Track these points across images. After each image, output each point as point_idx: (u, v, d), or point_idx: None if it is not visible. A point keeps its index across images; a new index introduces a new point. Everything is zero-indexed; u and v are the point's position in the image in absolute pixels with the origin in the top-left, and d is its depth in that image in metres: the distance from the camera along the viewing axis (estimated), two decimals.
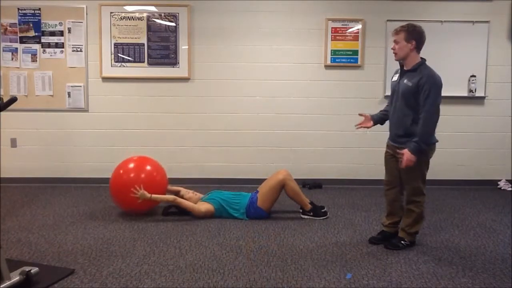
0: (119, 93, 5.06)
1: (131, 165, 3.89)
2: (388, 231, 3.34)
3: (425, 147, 3.00)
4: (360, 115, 3.47)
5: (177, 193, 4.01)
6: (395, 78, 3.23)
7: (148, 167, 3.90)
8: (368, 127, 3.44)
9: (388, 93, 4.97)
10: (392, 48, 3.13)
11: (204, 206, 3.83)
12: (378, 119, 3.41)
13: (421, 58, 3.10)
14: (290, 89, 5.08)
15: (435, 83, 2.96)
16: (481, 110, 5.13)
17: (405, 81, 3.07)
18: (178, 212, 3.91)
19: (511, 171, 5.22)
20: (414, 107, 3.03)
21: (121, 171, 3.85)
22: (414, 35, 3.04)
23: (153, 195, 3.72)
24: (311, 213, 3.89)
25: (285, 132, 5.14)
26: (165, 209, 3.95)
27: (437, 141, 3.11)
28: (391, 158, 3.24)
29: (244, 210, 3.83)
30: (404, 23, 3.14)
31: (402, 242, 3.21)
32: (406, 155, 2.98)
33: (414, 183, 3.13)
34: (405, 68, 3.12)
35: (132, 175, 3.80)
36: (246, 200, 3.86)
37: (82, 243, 3.27)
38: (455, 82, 4.98)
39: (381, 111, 3.46)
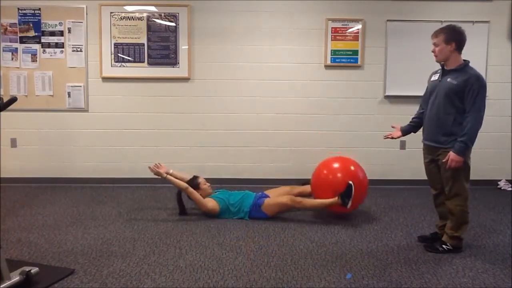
0: (119, 93, 5.06)
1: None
2: (440, 233, 3.27)
3: (471, 146, 2.96)
4: (393, 127, 3.48)
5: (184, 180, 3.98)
6: (435, 78, 3.17)
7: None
8: (394, 138, 3.46)
9: (388, 93, 5.06)
10: (432, 51, 3.07)
11: (211, 204, 3.83)
12: (409, 129, 3.41)
13: (464, 60, 3.05)
14: (290, 89, 5.08)
15: (483, 84, 2.96)
16: None
17: (449, 79, 3.01)
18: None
19: (511, 171, 5.22)
20: (457, 106, 2.97)
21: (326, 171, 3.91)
22: (454, 37, 2.99)
23: (168, 176, 3.78)
24: (343, 199, 3.69)
25: (285, 132, 5.13)
26: (181, 210, 3.97)
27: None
28: (430, 162, 3.20)
29: (248, 209, 3.83)
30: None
31: (444, 246, 3.14)
32: (452, 156, 2.94)
33: (456, 185, 3.06)
34: (446, 68, 3.07)
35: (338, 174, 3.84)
36: (251, 200, 3.86)
37: (82, 243, 3.27)
38: None
39: (412, 120, 3.41)
